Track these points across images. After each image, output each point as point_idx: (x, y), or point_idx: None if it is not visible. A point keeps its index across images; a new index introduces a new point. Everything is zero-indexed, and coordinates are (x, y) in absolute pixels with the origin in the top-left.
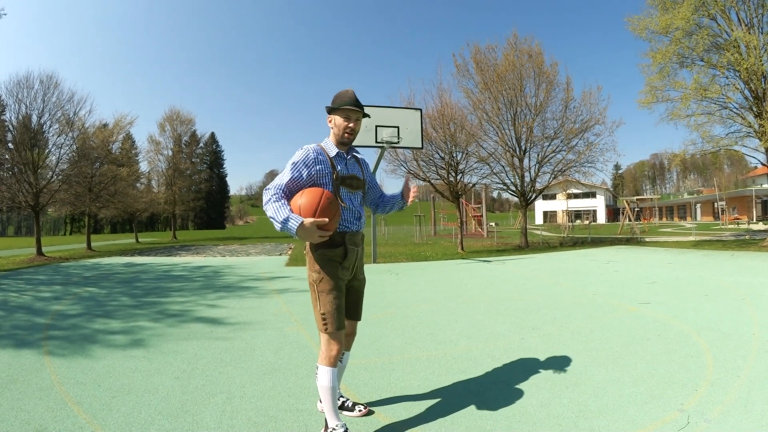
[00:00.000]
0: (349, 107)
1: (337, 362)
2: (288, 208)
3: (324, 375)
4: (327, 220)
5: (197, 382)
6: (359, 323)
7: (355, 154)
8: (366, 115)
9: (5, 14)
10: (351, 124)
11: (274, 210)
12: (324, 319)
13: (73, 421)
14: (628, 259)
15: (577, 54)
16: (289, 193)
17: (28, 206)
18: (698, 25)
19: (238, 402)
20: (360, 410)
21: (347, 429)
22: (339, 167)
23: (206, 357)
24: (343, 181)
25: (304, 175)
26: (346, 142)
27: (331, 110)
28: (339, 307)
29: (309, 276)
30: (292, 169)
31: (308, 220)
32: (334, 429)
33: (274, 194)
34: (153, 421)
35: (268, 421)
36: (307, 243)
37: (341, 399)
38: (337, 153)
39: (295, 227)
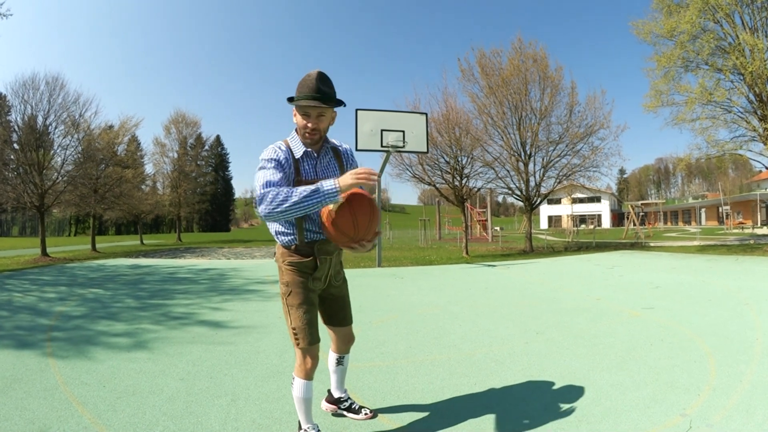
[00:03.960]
0: (305, 102)
1: (313, 375)
2: (298, 188)
3: (299, 387)
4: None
5: (202, 383)
6: (361, 327)
7: (334, 146)
8: (340, 104)
9: (11, 14)
10: (310, 124)
11: (290, 196)
12: (296, 335)
13: (78, 421)
14: (633, 263)
15: (581, 58)
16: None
17: (33, 207)
18: (703, 29)
19: (243, 404)
20: (366, 413)
21: (319, 429)
22: (304, 171)
23: (211, 359)
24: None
25: (282, 168)
26: (308, 143)
27: (290, 101)
28: (310, 321)
29: (280, 287)
30: (267, 170)
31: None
32: (306, 430)
33: (274, 190)
34: (158, 422)
35: (272, 423)
36: (277, 251)
37: (348, 401)
38: (305, 152)
39: (335, 184)
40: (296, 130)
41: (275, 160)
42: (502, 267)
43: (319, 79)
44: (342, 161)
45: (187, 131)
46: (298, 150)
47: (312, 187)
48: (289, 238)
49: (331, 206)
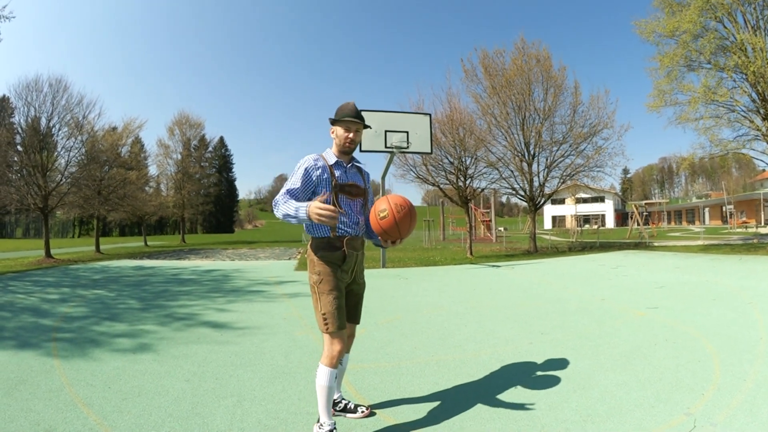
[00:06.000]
0: (350, 119)
1: (338, 363)
2: (295, 203)
3: (323, 375)
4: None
5: (207, 384)
6: (366, 328)
7: (356, 164)
8: (367, 126)
9: (13, 17)
10: (351, 135)
11: (285, 209)
12: (325, 320)
13: (84, 423)
14: (637, 263)
15: (585, 58)
16: (294, 198)
17: (36, 208)
18: (705, 28)
19: (249, 405)
20: (363, 411)
21: (335, 428)
22: (338, 174)
23: (216, 360)
24: (342, 188)
25: (307, 180)
26: (347, 152)
27: (333, 122)
28: (339, 307)
29: (310, 278)
30: (295, 176)
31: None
32: (322, 425)
33: (281, 198)
34: (164, 423)
35: (278, 424)
36: (309, 246)
37: (343, 402)
38: (336, 162)
39: (305, 210)
40: (331, 146)
41: (303, 167)
42: (506, 267)
43: (356, 107)
44: (363, 176)
45: (191, 132)
46: (331, 160)
47: (293, 211)
48: (324, 231)
49: (395, 211)
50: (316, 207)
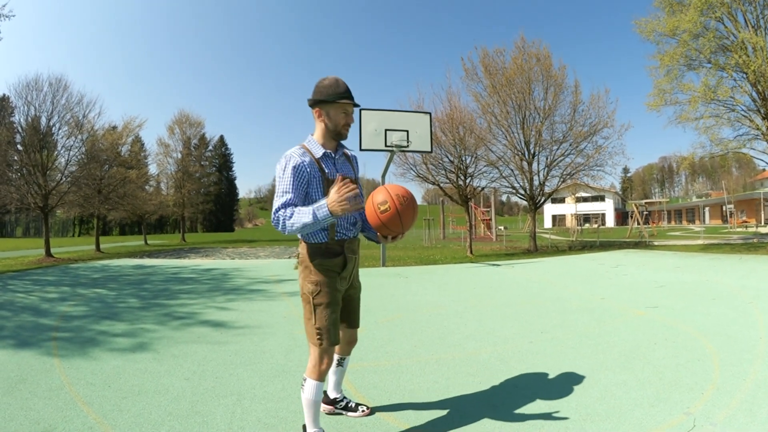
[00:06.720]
0: (347, 101)
1: (325, 377)
2: (306, 209)
3: (311, 389)
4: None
5: (207, 383)
6: (366, 326)
7: (345, 151)
8: (356, 105)
9: (13, 15)
10: (349, 120)
11: (297, 220)
12: (319, 334)
13: (83, 421)
14: (637, 262)
15: (585, 57)
16: (294, 206)
17: (36, 208)
18: (705, 27)
19: (249, 403)
20: (363, 410)
21: None
22: (327, 169)
23: (216, 359)
24: (333, 184)
25: (299, 181)
26: (340, 138)
27: (322, 102)
28: (335, 321)
29: (303, 287)
30: (283, 182)
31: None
32: None
33: (283, 214)
34: (163, 421)
35: (278, 423)
36: (303, 252)
37: (344, 401)
38: (324, 153)
39: (326, 209)
40: (314, 133)
41: (291, 168)
42: (506, 266)
43: (346, 84)
44: (353, 164)
45: (191, 131)
46: (318, 152)
47: (310, 218)
48: (321, 236)
49: (397, 203)
50: (335, 198)
